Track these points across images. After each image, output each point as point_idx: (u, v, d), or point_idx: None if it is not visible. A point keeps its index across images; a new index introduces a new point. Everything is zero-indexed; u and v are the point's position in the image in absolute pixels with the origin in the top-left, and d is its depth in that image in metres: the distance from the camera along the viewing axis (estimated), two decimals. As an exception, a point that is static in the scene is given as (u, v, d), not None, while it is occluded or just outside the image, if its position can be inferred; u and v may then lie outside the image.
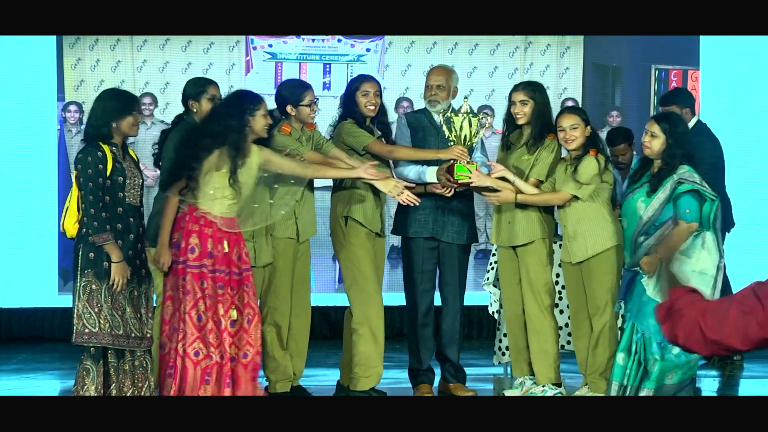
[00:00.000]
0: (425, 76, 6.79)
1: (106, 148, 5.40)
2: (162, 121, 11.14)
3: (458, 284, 6.72)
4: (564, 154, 6.49)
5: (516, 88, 6.47)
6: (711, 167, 6.90)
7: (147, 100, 10.96)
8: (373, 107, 6.52)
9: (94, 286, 5.36)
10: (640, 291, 6.00)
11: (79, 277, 5.39)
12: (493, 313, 7.04)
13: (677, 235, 5.94)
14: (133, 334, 5.49)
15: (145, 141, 10.95)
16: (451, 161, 6.31)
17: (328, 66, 13.06)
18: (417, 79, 11.78)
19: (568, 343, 6.82)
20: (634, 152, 6.89)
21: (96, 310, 5.36)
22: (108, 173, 5.42)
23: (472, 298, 7.41)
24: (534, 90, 6.43)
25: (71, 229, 5.47)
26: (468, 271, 6.86)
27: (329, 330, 8.61)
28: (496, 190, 6.30)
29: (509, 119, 6.48)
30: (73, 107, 10.85)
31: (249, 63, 12.87)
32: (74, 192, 5.44)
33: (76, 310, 5.37)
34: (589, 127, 6.27)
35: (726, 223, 7.29)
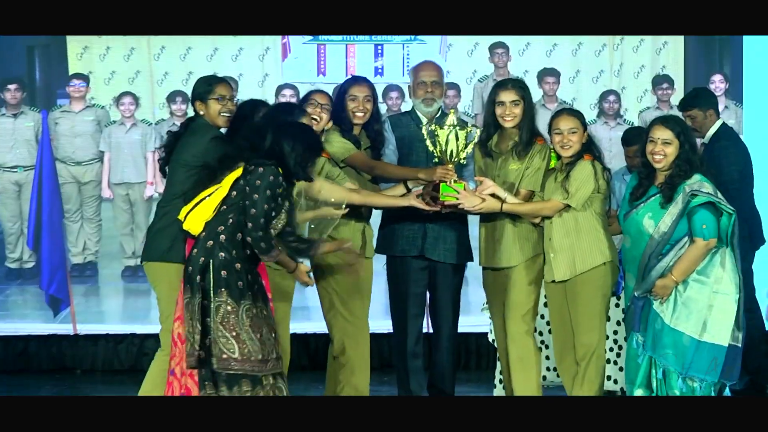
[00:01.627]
0: (411, 73, 6.65)
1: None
2: (145, 121, 10.70)
3: (452, 308, 6.60)
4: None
5: (504, 85, 6.28)
6: (736, 176, 6.76)
7: (127, 100, 10.85)
8: (361, 114, 6.39)
9: (229, 308, 5.28)
10: (654, 319, 5.85)
11: (212, 296, 5.32)
12: (493, 341, 6.70)
13: (694, 253, 5.79)
14: (269, 357, 5.42)
15: (125, 145, 10.54)
16: (436, 180, 6.15)
17: (379, 47, 12.21)
18: (484, 61, 11.49)
19: (557, 376, 6.56)
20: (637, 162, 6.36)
21: (234, 333, 5.28)
22: None
23: (468, 323, 7.27)
24: (524, 88, 6.26)
25: (196, 226, 5.42)
26: (463, 293, 6.71)
27: (308, 360, 8.43)
28: None
29: (491, 122, 6.23)
30: (127, 99, 10.75)
31: (286, 46, 12.05)
32: (219, 194, 5.42)
33: (211, 333, 5.30)
34: (586, 133, 6.13)
35: (755, 239, 7.10)
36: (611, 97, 10.94)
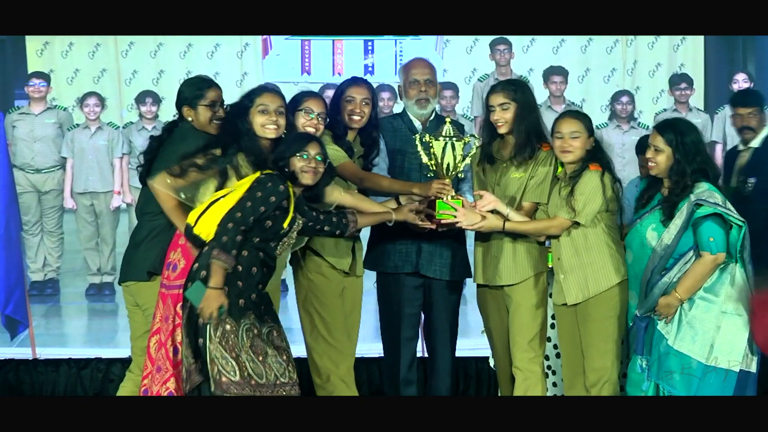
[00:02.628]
0: (401, 72, 6.62)
1: (290, 186, 5.53)
2: (111, 125, 10.67)
3: (449, 330, 6.57)
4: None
5: (494, 89, 6.27)
6: None
7: (92, 101, 10.83)
8: (358, 118, 6.36)
9: (228, 327, 5.35)
10: (659, 340, 5.83)
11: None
12: (494, 366, 6.78)
13: (700, 269, 5.76)
14: (278, 381, 5.44)
15: (89, 150, 10.51)
16: (432, 197, 6.13)
17: (370, 43, 12.13)
18: (484, 59, 11.45)
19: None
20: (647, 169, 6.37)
21: (233, 354, 5.33)
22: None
23: (467, 347, 7.21)
24: (516, 90, 6.20)
25: (207, 231, 5.48)
26: (461, 314, 6.68)
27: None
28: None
29: (489, 128, 6.24)
30: (92, 100, 10.72)
31: (267, 42, 11.99)
32: (230, 199, 5.48)
33: (208, 354, 5.33)
34: (592, 138, 6.08)
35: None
36: (624, 98, 10.92)
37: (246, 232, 5.40)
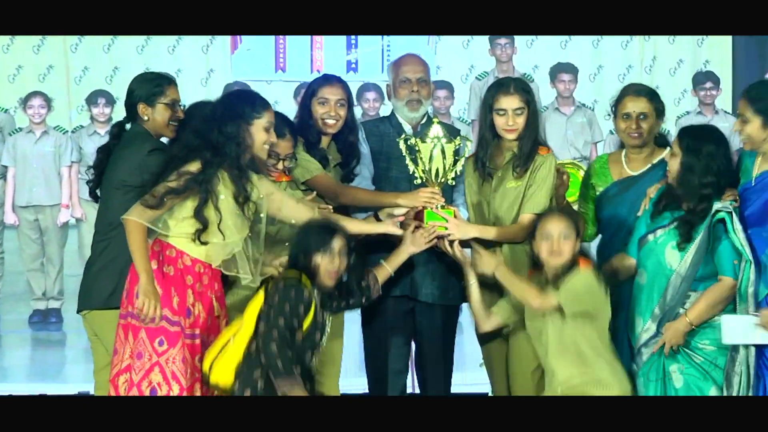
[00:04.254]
0: (390, 70, 6.63)
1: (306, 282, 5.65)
2: (59, 129, 10.69)
3: (443, 362, 6.57)
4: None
5: (505, 88, 6.26)
6: None
7: (36, 102, 10.81)
8: (333, 122, 6.38)
9: None
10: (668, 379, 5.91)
11: None
12: None
13: (717, 293, 5.82)
14: None
15: (34, 158, 10.54)
16: (419, 207, 6.14)
17: (353, 38, 12.02)
18: (483, 55, 11.51)
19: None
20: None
21: None
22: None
23: (463, 381, 7.34)
24: (529, 91, 6.29)
25: (226, 378, 5.62)
26: (457, 344, 6.70)
27: None
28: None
29: (489, 133, 6.26)
30: (37, 100, 10.71)
31: (236, 37, 11.83)
32: (244, 334, 5.63)
33: None
34: (579, 240, 6.01)
35: None
36: (641, 100, 10.92)
37: (291, 347, 5.53)
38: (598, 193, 6.36)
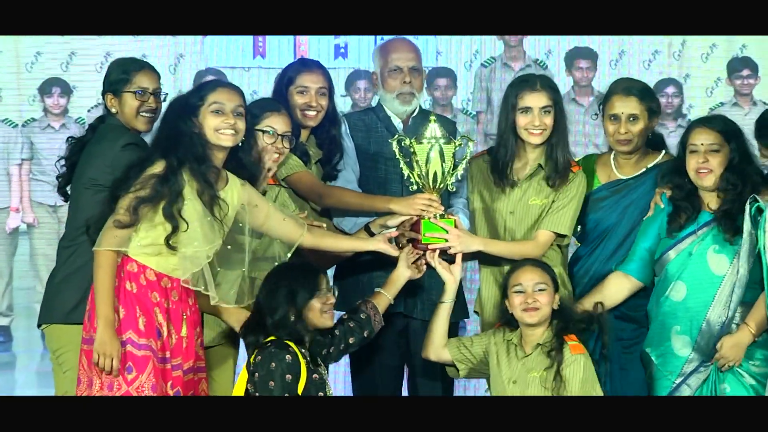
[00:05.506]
0: (377, 56, 6.61)
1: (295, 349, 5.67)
2: (7, 122, 10.76)
3: (440, 388, 6.53)
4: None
5: (530, 85, 6.28)
6: None
7: None
8: (314, 113, 6.43)
9: None
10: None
11: None
12: None
13: None
14: None
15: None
16: (414, 216, 6.12)
17: None
18: (489, 38, 11.67)
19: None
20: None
21: None
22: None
23: None
24: (556, 89, 6.33)
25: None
26: None
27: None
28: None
29: (510, 135, 6.26)
30: None
31: None
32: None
33: None
34: (557, 296, 6.08)
35: None
36: (670, 89, 10.94)
37: None
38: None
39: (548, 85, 6.30)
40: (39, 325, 6.07)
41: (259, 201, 5.83)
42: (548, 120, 6.22)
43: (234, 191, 5.71)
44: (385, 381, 6.48)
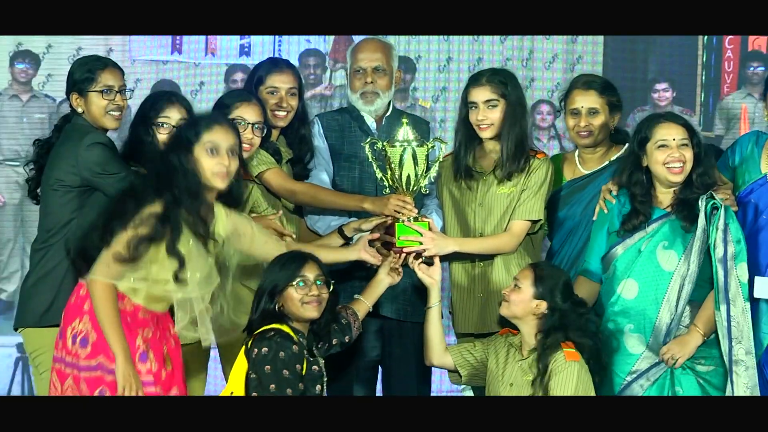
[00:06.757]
0: (348, 56, 6.71)
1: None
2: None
3: (416, 387, 6.57)
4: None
5: (477, 81, 6.29)
6: None
7: None
8: (284, 113, 6.47)
9: None
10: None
11: None
12: None
13: None
14: None
15: None
16: (388, 219, 6.12)
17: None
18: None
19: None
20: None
21: None
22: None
23: None
24: (506, 82, 6.28)
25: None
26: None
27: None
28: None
29: (467, 131, 6.30)
30: None
31: None
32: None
33: None
34: (543, 304, 5.95)
35: None
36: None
37: None
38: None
39: (495, 79, 6.24)
40: (15, 329, 6.07)
41: (243, 227, 5.77)
42: (494, 114, 6.20)
43: (219, 224, 5.66)
44: (359, 381, 6.49)
